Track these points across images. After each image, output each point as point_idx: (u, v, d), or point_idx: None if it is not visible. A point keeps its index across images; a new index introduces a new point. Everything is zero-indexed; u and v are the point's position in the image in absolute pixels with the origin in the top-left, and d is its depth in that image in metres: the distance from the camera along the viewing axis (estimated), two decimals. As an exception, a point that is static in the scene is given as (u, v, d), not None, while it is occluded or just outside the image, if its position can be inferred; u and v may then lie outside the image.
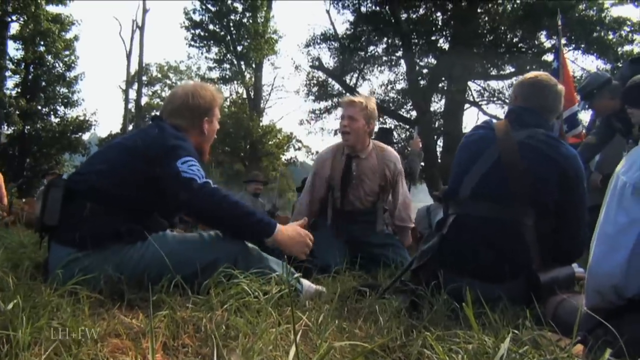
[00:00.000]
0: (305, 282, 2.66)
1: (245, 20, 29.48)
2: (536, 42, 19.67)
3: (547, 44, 19.69)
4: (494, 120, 2.99)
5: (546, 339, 1.67)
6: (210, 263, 2.44)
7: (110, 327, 1.72)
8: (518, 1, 19.47)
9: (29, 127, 24.12)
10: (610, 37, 17.89)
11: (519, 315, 2.13)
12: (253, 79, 31.68)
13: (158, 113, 3.08)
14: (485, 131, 2.92)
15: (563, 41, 18.03)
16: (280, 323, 1.75)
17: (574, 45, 18.90)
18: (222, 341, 1.57)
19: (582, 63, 20.99)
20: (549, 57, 19.25)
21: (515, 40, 20.07)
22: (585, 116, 10.79)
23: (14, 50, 24.60)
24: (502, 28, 19.47)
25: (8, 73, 24.17)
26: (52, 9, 24.82)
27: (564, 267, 2.69)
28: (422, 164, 11.13)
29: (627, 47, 17.90)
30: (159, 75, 40.81)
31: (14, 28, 23.92)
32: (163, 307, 1.96)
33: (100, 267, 2.37)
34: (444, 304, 2.27)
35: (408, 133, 21.89)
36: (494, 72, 21.35)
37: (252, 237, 2.64)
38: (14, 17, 23.32)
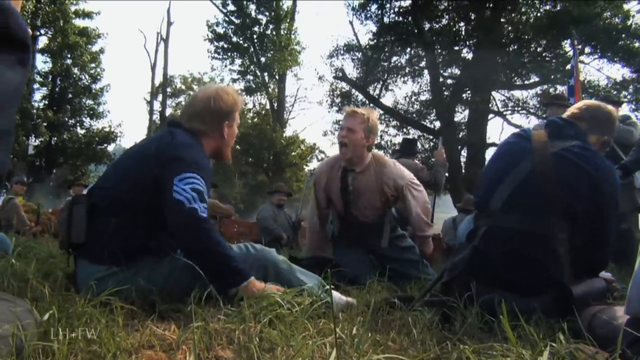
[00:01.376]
0: (336, 294, 2.65)
1: (268, 32, 29.60)
2: (560, 52, 19.48)
3: (572, 53, 19.50)
4: (532, 130, 2.93)
5: (584, 353, 1.64)
6: None
7: (144, 339, 1.72)
8: (542, 10, 19.33)
9: (55, 139, 24.48)
10: (637, 44, 17.66)
11: (554, 327, 2.09)
12: (276, 90, 31.77)
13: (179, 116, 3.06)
14: (522, 141, 2.86)
15: (587, 50, 17.92)
16: (315, 336, 1.74)
17: (599, 54, 18.71)
18: (257, 354, 1.56)
19: (607, 72, 20.81)
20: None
21: (539, 49, 19.90)
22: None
23: (41, 63, 24.96)
24: (526, 37, 19.29)
25: (36, 85, 24.61)
26: (79, 22, 25.27)
27: (595, 279, 2.64)
28: (447, 174, 11.08)
29: (654, 55, 17.70)
30: (183, 87, 41.16)
31: (42, 42, 24.38)
32: (195, 318, 1.95)
33: (132, 281, 2.37)
34: (477, 317, 2.24)
35: (432, 144, 21.78)
36: (518, 82, 21.16)
37: (220, 281, 2.38)
38: (42, 31, 23.71)
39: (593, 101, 3.07)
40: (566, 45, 18.98)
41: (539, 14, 19.38)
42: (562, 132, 2.79)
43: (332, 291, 2.64)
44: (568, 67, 18.94)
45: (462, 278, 2.65)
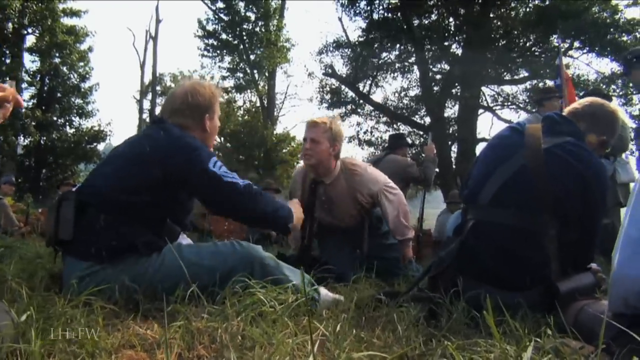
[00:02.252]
0: (323, 291, 2.64)
1: (258, 29, 29.54)
2: (550, 46, 19.53)
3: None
4: (527, 124, 2.87)
5: (569, 347, 1.63)
6: (227, 273, 2.43)
7: (125, 339, 1.70)
8: (531, 5, 19.36)
9: (44, 138, 24.34)
10: (625, 38, 17.72)
11: (539, 322, 2.09)
12: (266, 88, 31.70)
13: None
14: (516, 134, 2.81)
15: (576, 44, 17.97)
16: (297, 333, 1.72)
17: (587, 48, 18.79)
18: (238, 352, 1.55)
19: (596, 66, 20.88)
20: (564, 60, 19.13)
21: (528, 44, 19.95)
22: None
23: (29, 62, 24.80)
24: (515, 32, 19.33)
25: (24, 85, 24.41)
26: (67, 21, 25.10)
27: (583, 274, 2.62)
28: (437, 170, 11.07)
29: (642, 49, 17.74)
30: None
31: (30, 40, 24.21)
32: (178, 317, 1.93)
33: (116, 279, 2.36)
34: (463, 312, 2.23)
35: (422, 139, 21.79)
36: (507, 77, 21.22)
37: (284, 227, 2.87)
38: (29, 30, 23.56)
39: (597, 99, 2.99)
40: (554, 40, 19.06)
41: (527, 9, 19.42)
42: (556, 129, 2.75)
43: (320, 288, 2.63)
44: (556, 62, 19.11)
45: (449, 272, 2.63)
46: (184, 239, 2.83)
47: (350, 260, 4.10)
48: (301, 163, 4.59)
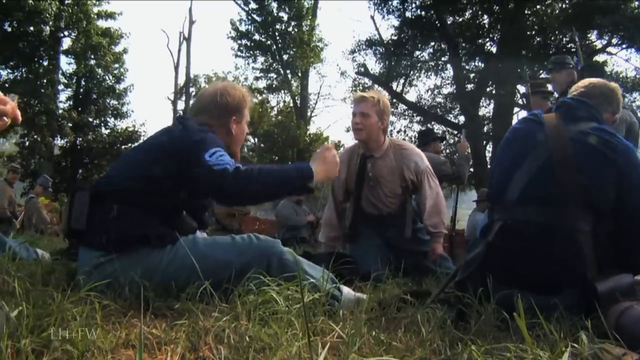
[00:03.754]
0: (346, 290, 2.51)
1: (290, 29, 29.62)
2: (586, 42, 19.12)
3: (598, 44, 19.18)
4: (543, 113, 2.73)
5: (610, 354, 1.48)
6: (243, 267, 2.33)
7: (127, 337, 1.60)
8: (567, 1, 18.99)
9: (80, 139, 24.62)
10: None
11: (577, 325, 1.93)
12: (299, 88, 31.72)
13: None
14: (534, 125, 2.64)
15: (615, 40, 17.57)
16: (311, 335, 1.60)
17: (627, 44, 18.33)
18: (244, 354, 1.43)
19: (635, 62, 20.38)
20: (600, 57, 18.74)
21: (564, 41, 19.58)
22: None
23: (66, 64, 25.09)
24: (551, 29, 18.99)
25: (61, 87, 24.77)
26: (102, 23, 25.40)
27: (625, 274, 2.43)
28: (472, 170, 10.86)
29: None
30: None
31: (66, 43, 24.55)
32: (186, 315, 1.84)
33: (128, 272, 2.28)
34: (493, 314, 2.08)
35: (456, 139, 21.54)
36: (543, 75, 20.85)
37: (300, 188, 2.60)
38: (65, 33, 23.88)
39: (597, 79, 2.86)
40: (592, 35, 18.67)
41: (563, 5, 19.05)
42: (574, 114, 2.59)
43: (343, 287, 2.51)
44: (596, 57, 18.75)
45: (476, 276, 2.45)
46: (202, 235, 2.73)
47: (379, 258, 3.97)
48: (349, 144, 4.62)
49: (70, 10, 22.92)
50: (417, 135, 8.65)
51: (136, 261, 2.34)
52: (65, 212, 2.57)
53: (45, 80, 22.63)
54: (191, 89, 35.22)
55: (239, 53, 31.13)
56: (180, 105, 34.92)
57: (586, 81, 2.81)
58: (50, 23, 21.69)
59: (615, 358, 1.46)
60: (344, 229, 4.48)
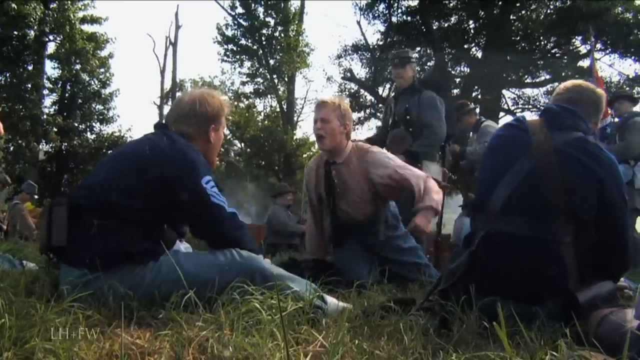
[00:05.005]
0: (330, 299, 2.51)
1: (277, 34, 29.56)
2: (571, 48, 19.29)
3: (582, 49, 19.37)
4: (527, 118, 2.74)
5: (589, 361, 1.51)
6: (225, 285, 2.31)
7: (109, 348, 1.60)
8: (552, 6, 19.14)
9: (66, 144, 24.46)
10: (649, 38, 17.45)
11: (557, 333, 1.95)
12: (286, 93, 31.70)
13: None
14: (519, 133, 2.65)
15: (598, 46, 17.72)
16: (293, 344, 1.61)
17: (610, 49, 18.50)
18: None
19: (619, 67, 20.57)
20: (584, 62, 18.93)
21: (549, 46, 19.74)
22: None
23: (51, 69, 24.92)
24: (536, 34, 19.15)
25: (45, 92, 24.59)
26: (87, 28, 25.29)
27: (605, 282, 2.43)
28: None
29: (666, 49, 17.48)
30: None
31: (51, 48, 24.40)
32: (169, 325, 1.84)
33: (113, 287, 2.27)
34: (476, 322, 2.10)
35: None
36: (528, 80, 21.00)
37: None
38: (50, 37, 23.74)
39: (586, 83, 2.86)
40: (576, 41, 18.83)
41: (548, 11, 19.21)
42: (560, 122, 2.59)
43: (327, 296, 2.51)
44: (580, 63, 18.95)
45: (459, 285, 2.45)
46: (182, 245, 2.74)
47: (364, 266, 3.97)
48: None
49: (55, 15, 22.78)
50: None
51: (121, 277, 2.32)
52: (42, 228, 2.53)
53: (29, 85, 22.45)
54: (177, 94, 35.09)
55: (225, 58, 31.07)
56: (166, 109, 34.75)
57: (575, 84, 2.80)
58: (35, 27, 21.56)
59: (593, 366, 1.48)
60: (324, 236, 4.46)
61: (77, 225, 2.41)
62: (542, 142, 2.51)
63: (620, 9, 17.55)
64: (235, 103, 30.83)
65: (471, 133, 7.72)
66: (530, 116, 18.97)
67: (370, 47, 22.74)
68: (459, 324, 2.11)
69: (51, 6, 22.84)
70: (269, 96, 32.43)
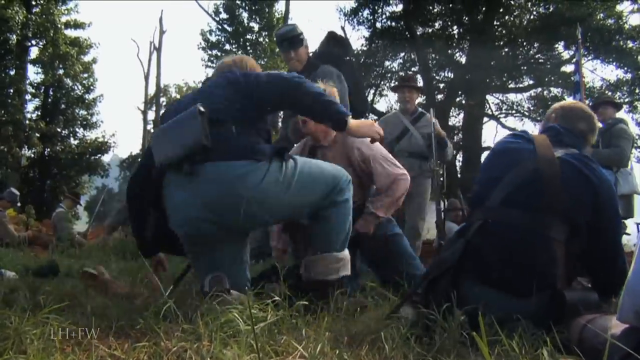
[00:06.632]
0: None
1: (261, 39, 29.56)
2: (554, 53, 19.45)
3: (566, 55, 19.57)
4: (530, 132, 2.85)
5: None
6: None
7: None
8: (535, 12, 19.29)
9: (48, 150, 24.26)
10: (630, 45, 17.64)
11: (539, 341, 1.94)
12: (271, 98, 31.62)
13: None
14: (524, 142, 2.75)
15: (581, 51, 17.90)
16: (273, 355, 1.59)
17: (592, 55, 18.67)
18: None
19: (601, 73, 20.77)
20: (567, 68, 19.11)
21: (532, 51, 19.88)
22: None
23: (33, 74, 24.74)
24: (520, 40, 19.28)
25: (28, 97, 24.42)
26: (70, 32, 25.15)
27: (590, 291, 2.46)
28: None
29: (647, 55, 17.68)
30: (178, 96, 40.79)
31: (34, 52, 24.23)
32: (152, 335, 1.81)
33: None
34: (457, 329, 2.08)
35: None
36: (512, 85, 21.13)
37: (332, 120, 2.95)
38: (33, 42, 23.58)
39: (586, 107, 3.05)
40: (559, 47, 18.98)
41: (531, 17, 19.36)
42: (562, 140, 2.72)
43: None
44: (563, 68, 19.11)
45: (450, 274, 2.49)
46: None
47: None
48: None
49: (38, 19, 22.65)
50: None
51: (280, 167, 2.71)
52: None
53: (12, 90, 22.30)
54: (161, 99, 34.95)
55: (209, 64, 30.98)
56: (151, 115, 34.64)
57: (577, 108, 2.98)
58: (17, 32, 21.40)
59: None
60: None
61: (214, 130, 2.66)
62: (547, 151, 2.60)
63: (601, 15, 17.73)
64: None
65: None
66: (514, 121, 19.15)
67: (355, 52, 22.76)
68: (440, 331, 2.10)
69: (34, 10, 22.69)
70: (253, 101, 32.37)
